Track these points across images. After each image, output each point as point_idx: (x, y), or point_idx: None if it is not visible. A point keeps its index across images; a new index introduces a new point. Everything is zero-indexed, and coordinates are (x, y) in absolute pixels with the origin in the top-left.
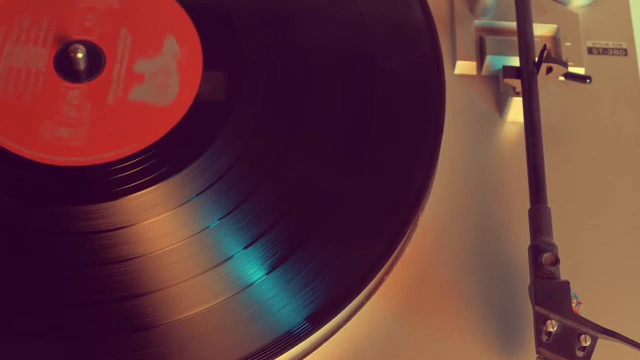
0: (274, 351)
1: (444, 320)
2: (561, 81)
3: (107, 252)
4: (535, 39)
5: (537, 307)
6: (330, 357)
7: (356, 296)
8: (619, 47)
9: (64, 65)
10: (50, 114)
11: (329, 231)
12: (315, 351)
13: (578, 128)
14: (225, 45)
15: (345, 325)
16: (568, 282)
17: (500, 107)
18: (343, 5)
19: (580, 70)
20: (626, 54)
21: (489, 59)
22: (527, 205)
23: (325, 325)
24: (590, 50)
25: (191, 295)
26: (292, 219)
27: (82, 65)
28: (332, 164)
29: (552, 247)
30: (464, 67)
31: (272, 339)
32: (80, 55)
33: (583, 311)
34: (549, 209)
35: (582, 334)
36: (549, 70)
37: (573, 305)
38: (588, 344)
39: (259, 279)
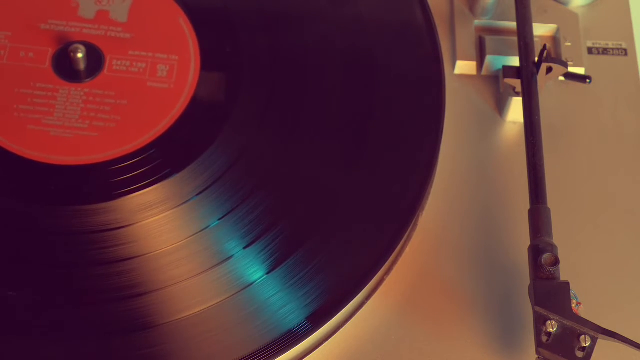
0: (274, 351)
1: (444, 320)
2: (561, 81)
3: (107, 251)
4: (535, 39)
5: (537, 308)
6: (330, 357)
7: (356, 296)
8: (619, 47)
9: (64, 65)
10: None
11: (328, 231)
12: (315, 351)
13: (578, 128)
14: (225, 45)
15: (345, 325)
16: (568, 283)
17: (500, 107)
18: (343, 6)
19: (580, 70)
20: (626, 54)
21: (489, 59)
22: (527, 205)
23: (325, 325)
24: (590, 50)
25: (191, 295)
26: (292, 218)
27: (82, 65)
28: (332, 164)
29: (552, 248)
30: (464, 67)
31: (273, 338)
32: (80, 55)
33: (583, 311)
34: (549, 209)
35: (582, 335)
36: (549, 70)
37: (573, 305)
38: (588, 344)
39: (259, 278)
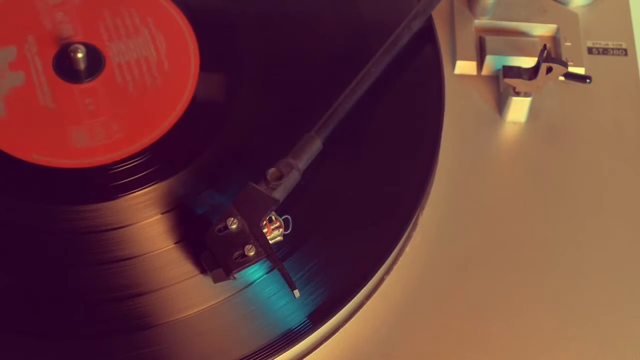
0: (274, 350)
1: (443, 320)
2: (561, 81)
3: (107, 251)
4: (535, 39)
5: (232, 206)
6: (330, 357)
7: (356, 296)
8: (619, 47)
9: (64, 65)
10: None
11: (328, 231)
12: (316, 351)
13: (578, 128)
14: (224, 46)
15: (345, 325)
16: (277, 201)
17: (500, 107)
18: (342, 6)
19: (580, 70)
20: (626, 54)
21: (489, 59)
22: (528, 207)
23: (326, 325)
24: (590, 50)
25: (191, 295)
26: (292, 218)
27: (82, 65)
28: (332, 164)
29: (287, 167)
30: (464, 67)
31: (273, 337)
32: (80, 55)
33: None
34: (320, 144)
35: (249, 245)
36: (549, 70)
37: (266, 222)
38: (251, 254)
39: (259, 278)
